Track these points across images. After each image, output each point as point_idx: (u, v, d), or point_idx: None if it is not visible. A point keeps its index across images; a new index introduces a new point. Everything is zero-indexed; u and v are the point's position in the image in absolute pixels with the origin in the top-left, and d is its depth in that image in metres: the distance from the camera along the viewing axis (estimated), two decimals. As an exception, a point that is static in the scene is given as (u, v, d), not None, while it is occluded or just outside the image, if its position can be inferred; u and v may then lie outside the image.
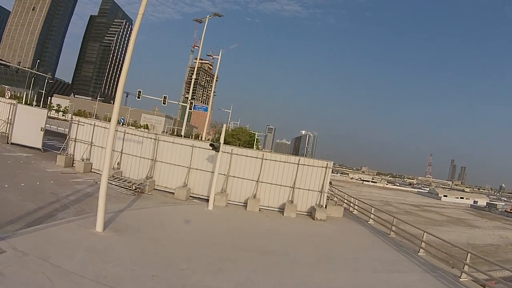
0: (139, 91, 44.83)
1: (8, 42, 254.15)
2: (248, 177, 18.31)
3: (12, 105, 24.28)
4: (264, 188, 18.33)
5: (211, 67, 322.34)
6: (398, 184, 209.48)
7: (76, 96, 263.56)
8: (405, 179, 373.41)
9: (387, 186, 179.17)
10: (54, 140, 33.88)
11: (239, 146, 51.74)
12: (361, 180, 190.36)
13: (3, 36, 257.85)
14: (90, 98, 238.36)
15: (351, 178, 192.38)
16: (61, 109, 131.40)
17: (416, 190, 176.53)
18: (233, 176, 18.37)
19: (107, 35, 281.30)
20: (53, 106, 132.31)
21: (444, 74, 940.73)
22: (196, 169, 18.65)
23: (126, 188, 17.50)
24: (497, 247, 53.33)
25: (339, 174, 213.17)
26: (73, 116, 21.83)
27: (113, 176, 18.43)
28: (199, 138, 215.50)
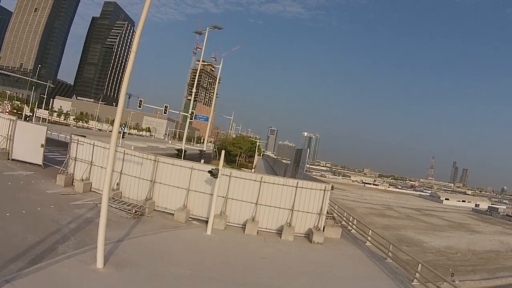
0: (140, 100, 45.19)
1: (11, 43, 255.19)
2: (246, 200, 18.53)
3: (11, 121, 24.59)
4: (262, 210, 18.55)
5: (213, 69, 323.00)
6: (400, 187, 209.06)
7: (78, 98, 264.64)
8: (407, 181, 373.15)
9: (388, 189, 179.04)
10: (55, 152, 34.10)
11: (240, 154, 52.08)
12: (363, 182, 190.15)
13: (5, 37, 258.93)
14: (92, 100, 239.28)
15: (353, 181, 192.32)
16: (62, 113, 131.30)
17: (418, 193, 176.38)
18: (232, 199, 18.60)
19: (109, 37, 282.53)
20: (55, 111, 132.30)
21: (446, 75, 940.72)
22: (195, 191, 18.89)
23: (126, 212, 17.75)
24: (497, 254, 53.34)
25: (340, 177, 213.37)
26: (73, 135, 22.00)
27: (113, 198, 18.69)
28: (201, 141, 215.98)
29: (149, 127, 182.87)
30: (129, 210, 17.77)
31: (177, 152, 27.53)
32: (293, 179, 19.45)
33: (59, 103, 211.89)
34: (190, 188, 18.90)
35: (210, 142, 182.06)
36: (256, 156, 63.95)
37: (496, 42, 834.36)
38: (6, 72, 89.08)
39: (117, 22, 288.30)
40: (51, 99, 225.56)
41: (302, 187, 18.36)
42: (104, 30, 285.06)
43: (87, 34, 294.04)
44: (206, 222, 17.82)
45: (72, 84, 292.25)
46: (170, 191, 19.21)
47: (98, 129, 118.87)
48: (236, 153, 48.63)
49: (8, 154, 24.57)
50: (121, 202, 18.68)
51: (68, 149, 21.97)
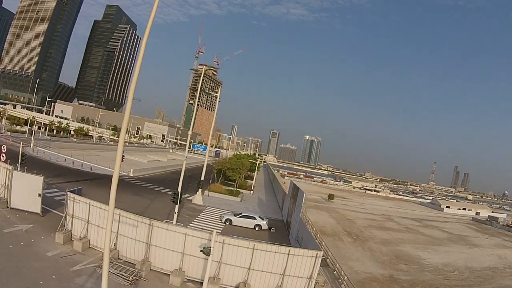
0: (137, 128, 46.65)
1: (12, 46, 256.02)
2: (240, 265, 19.02)
3: (8, 170, 25.18)
4: (255, 275, 19.04)
5: (215, 73, 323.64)
6: (401, 193, 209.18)
7: (79, 101, 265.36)
8: (408, 186, 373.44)
9: (389, 195, 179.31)
10: (54, 187, 34.19)
11: (239, 179, 52.66)
12: (364, 189, 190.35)
13: (7, 39, 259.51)
14: (94, 104, 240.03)
15: (354, 187, 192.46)
16: (63, 125, 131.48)
17: (419, 200, 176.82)
18: (225, 263, 19.11)
19: (111, 41, 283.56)
20: (54, 122, 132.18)
21: (448, 78, 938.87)
22: (190, 255, 19.43)
23: (123, 278, 18.29)
24: (494, 271, 53.56)
25: (341, 183, 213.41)
26: (69, 192, 22.55)
27: (111, 262, 19.23)
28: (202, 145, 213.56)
29: (149, 134, 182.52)
30: (126, 277, 18.32)
31: (173, 196, 28.00)
32: (285, 246, 19.86)
33: (60, 107, 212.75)
34: (185, 252, 19.44)
35: (212, 146, 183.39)
36: (255, 174, 64.63)
37: (499, 46, 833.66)
38: (2, 101, 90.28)
39: (119, 25, 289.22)
40: (52, 103, 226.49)
41: (294, 254, 18.84)
42: (106, 34, 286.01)
43: (89, 37, 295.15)
44: (201, 283, 18.41)
45: (74, 86, 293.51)
46: (166, 254, 19.75)
47: (98, 139, 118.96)
48: (235, 179, 49.33)
49: (7, 203, 25.21)
50: (119, 267, 19.21)
51: (65, 206, 22.51)
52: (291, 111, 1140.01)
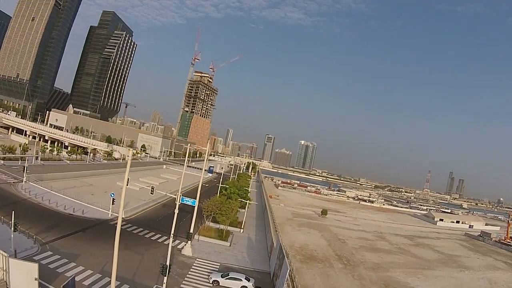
0: (128, 179, 46.47)
1: (8, 50, 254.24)
2: None
3: (4, 257, 25.59)
4: None
5: (211, 80, 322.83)
6: (395, 203, 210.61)
7: (74, 109, 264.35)
8: (403, 193, 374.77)
9: (384, 206, 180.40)
10: (47, 250, 33.68)
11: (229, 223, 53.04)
12: (358, 199, 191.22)
13: (2, 44, 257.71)
14: (89, 112, 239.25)
15: (348, 197, 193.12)
16: (57, 137, 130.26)
17: (413, 211, 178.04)
18: None
19: (107, 47, 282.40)
20: (45, 138, 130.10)
21: (446, 82, 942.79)
22: None
23: None
24: (482, 301, 54.03)
25: (336, 192, 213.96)
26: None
27: None
28: (197, 156, 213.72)
29: (144, 146, 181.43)
30: None
31: (162, 268, 28.34)
32: None
33: (54, 116, 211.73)
34: None
35: (210, 154, 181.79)
36: (247, 206, 65.01)
37: (494, 52, 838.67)
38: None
39: (115, 32, 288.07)
40: (47, 111, 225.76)
41: None
42: (102, 40, 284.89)
43: (85, 43, 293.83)
44: None
45: (69, 92, 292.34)
46: None
47: (92, 158, 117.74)
48: (225, 223, 49.78)
49: (6, 284, 25.78)
50: None
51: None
52: (287, 115, 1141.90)
